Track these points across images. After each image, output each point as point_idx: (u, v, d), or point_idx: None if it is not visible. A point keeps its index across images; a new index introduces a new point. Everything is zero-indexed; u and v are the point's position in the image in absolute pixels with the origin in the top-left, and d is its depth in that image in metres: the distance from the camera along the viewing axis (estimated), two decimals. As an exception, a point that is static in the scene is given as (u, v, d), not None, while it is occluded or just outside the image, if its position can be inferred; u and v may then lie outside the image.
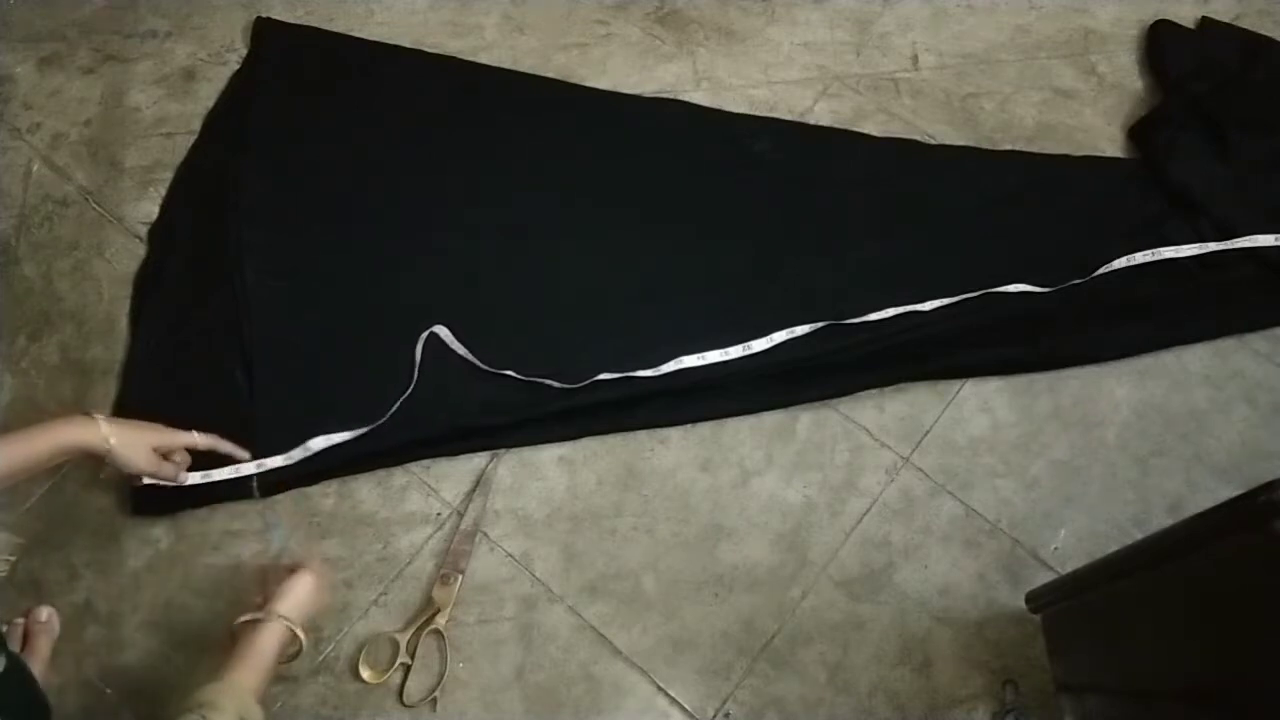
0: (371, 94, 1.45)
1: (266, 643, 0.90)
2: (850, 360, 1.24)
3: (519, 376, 1.19)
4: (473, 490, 1.16)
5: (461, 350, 1.20)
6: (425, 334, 1.20)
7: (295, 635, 0.93)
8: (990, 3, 1.63)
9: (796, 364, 1.23)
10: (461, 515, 1.14)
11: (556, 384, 1.19)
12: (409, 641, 1.06)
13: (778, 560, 1.14)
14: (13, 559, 1.10)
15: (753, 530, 1.15)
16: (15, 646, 1.02)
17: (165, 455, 1.03)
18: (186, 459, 1.07)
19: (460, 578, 1.10)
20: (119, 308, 1.27)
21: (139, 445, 0.98)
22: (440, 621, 1.07)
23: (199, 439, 1.06)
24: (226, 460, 1.10)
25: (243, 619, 0.92)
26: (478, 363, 1.20)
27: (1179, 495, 1.19)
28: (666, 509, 1.16)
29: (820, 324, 1.24)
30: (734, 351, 1.22)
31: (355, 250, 1.30)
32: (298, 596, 0.96)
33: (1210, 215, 1.36)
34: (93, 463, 0.98)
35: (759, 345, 1.23)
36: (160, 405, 1.17)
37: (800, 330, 1.24)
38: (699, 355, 1.22)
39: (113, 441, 0.94)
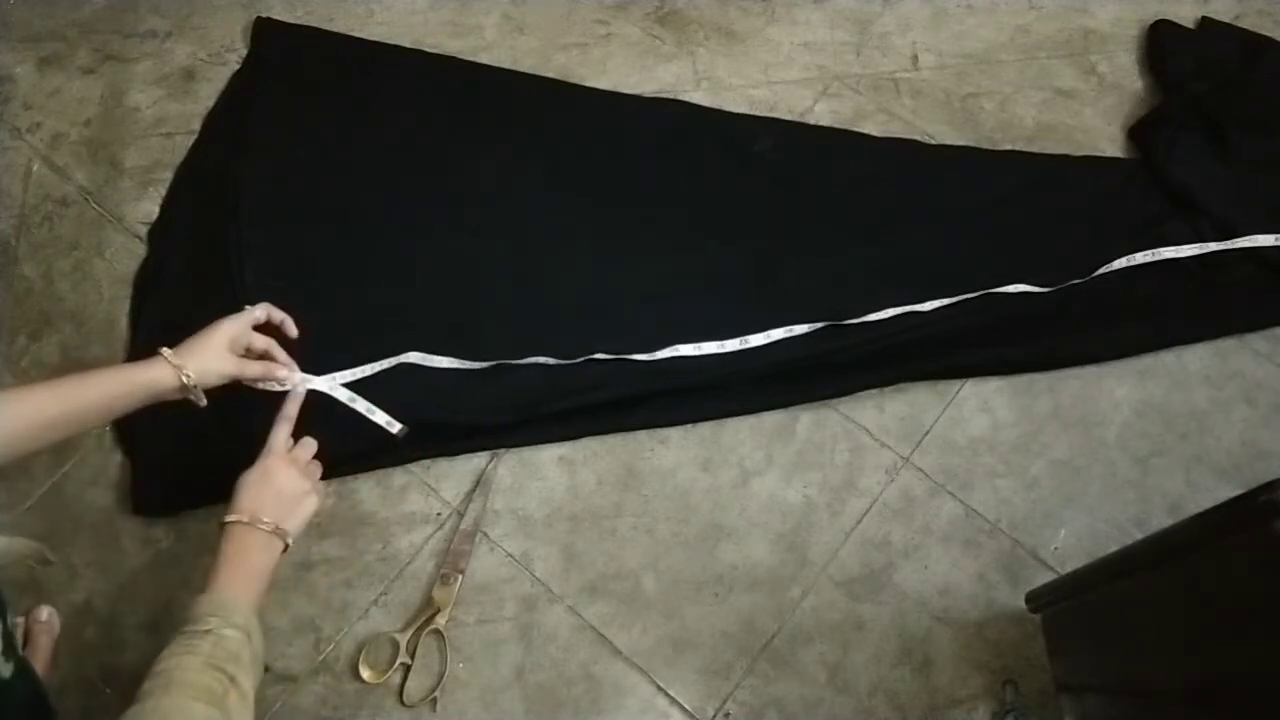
0: (371, 94, 1.45)
1: (258, 556, 0.87)
2: (850, 360, 1.24)
3: (511, 362, 1.19)
4: (473, 490, 1.16)
5: (444, 364, 1.19)
6: (395, 360, 1.18)
7: (277, 533, 0.89)
8: (990, 3, 1.63)
9: (796, 364, 1.23)
10: (461, 515, 1.14)
11: (551, 361, 1.19)
12: (409, 641, 1.06)
13: (778, 560, 1.14)
14: (52, 560, 1.07)
15: (753, 530, 1.15)
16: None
17: (247, 352, 0.99)
18: (281, 361, 1.03)
19: (460, 578, 1.10)
20: (119, 308, 1.27)
21: (214, 356, 0.94)
22: (440, 621, 1.07)
23: (258, 312, 1.02)
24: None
25: (229, 518, 0.88)
26: (465, 365, 1.19)
27: (1179, 495, 1.19)
28: (666, 509, 1.16)
29: (820, 324, 1.24)
30: (731, 344, 1.22)
31: (355, 250, 1.30)
32: (298, 510, 0.92)
33: (1210, 215, 1.36)
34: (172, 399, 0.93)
35: (756, 340, 1.23)
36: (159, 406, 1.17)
37: (800, 330, 1.24)
38: (695, 345, 1.22)
39: (191, 371, 0.90)
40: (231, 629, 0.80)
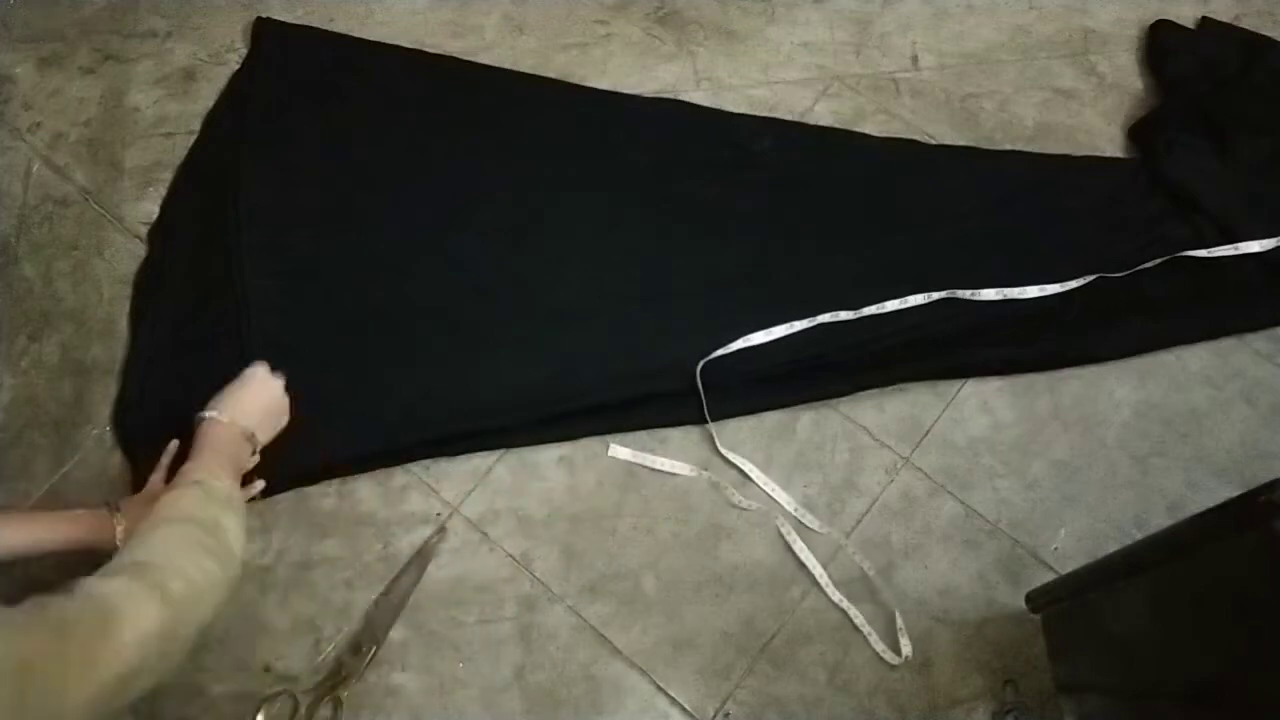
0: (371, 94, 1.45)
1: (233, 451, 0.97)
2: (850, 360, 1.24)
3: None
4: (410, 562, 1.11)
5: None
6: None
7: (251, 439, 0.99)
8: (990, 3, 1.63)
9: (796, 364, 1.23)
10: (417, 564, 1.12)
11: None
12: (309, 705, 1.02)
13: (778, 560, 1.14)
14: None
15: (753, 530, 1.15)
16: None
17: None
18: None
19: (375, 649, 1.06)
20: (119, 308, 1.27)
21: None
22: (343, 692, 1.03)
23: None
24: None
25: (209, 414, 0.98)
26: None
27: (1179, 495, 1.19)
28: (666, 509, 1.16)
29: (820, 323, 1.24)
30: (734, 346, 1.22)
31: (356, 251, 1.30)
32: (271, 423, 1.04)
33: (1210, 215, 1.36)
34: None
35: (758, 339, 1.23)
36: (160, 406, 1.17)
37: (799, 329, 1.24)
38: (702, 355, 1.22)
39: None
40: (218, 483, 0.89)
